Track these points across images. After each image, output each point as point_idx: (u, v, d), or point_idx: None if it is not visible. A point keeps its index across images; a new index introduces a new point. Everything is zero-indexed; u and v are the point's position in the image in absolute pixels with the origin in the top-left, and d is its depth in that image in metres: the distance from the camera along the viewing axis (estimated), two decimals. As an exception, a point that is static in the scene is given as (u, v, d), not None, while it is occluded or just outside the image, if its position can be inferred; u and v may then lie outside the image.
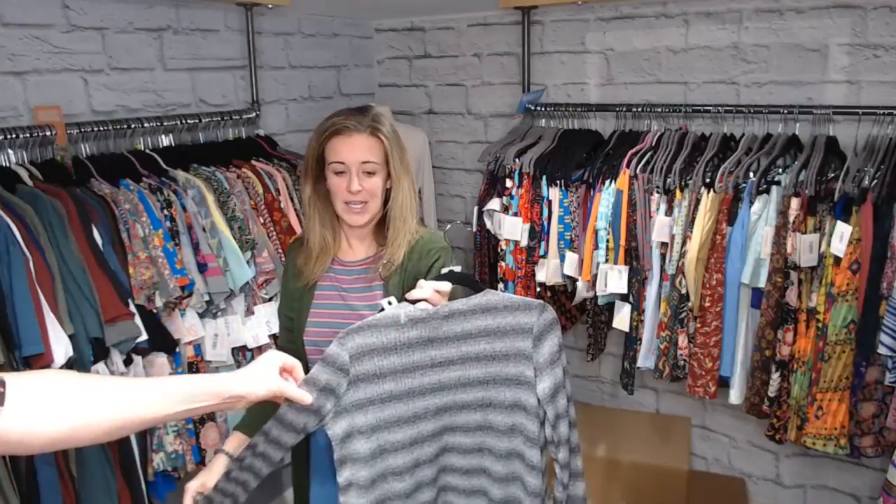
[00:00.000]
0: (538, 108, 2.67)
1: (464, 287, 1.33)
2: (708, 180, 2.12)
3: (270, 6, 2.47)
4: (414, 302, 1.28)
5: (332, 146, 1.53)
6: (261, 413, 1.35)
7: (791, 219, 1.97)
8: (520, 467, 1.34)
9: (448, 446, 1.35)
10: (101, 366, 1.68)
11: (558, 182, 2.40)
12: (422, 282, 1.31)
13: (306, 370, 1.60)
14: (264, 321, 2.11)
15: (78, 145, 1.96)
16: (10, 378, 0.84)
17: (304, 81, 2.82)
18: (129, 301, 1.76)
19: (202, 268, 1.96)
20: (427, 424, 1.31)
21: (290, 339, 1.67)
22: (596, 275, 2.31)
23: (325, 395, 1.22)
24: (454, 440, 1.35)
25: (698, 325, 2.14)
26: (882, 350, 1.81)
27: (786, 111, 2.18)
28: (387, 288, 1.55)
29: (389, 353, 1.26)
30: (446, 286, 1.30)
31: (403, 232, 1.56)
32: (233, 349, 2.06)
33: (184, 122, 2.20)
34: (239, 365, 2.09)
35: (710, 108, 2.31)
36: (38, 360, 1.54)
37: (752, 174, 2.08)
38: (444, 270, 1.35)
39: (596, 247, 2.30)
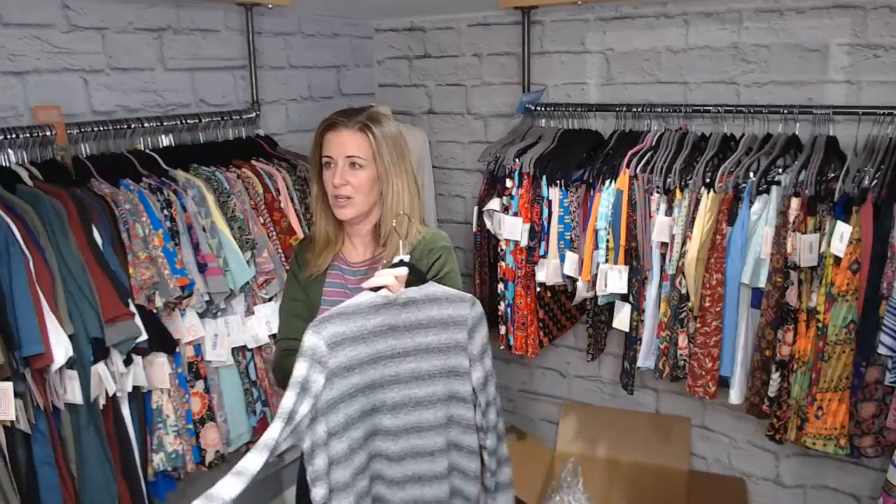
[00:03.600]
0: (538, 108, 2.67)
1: (413, 277, 1.35)
2: (708, 180, 2.12)
3: (270, 6, 2.47)
4: (375, 290, 1.29)
5: (325, 141, 1.57)
6: None
7: (791, 219, 1.97)
8: (456, 456, 1.39)
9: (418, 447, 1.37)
10: (100, 366, 1.68)
11: (558, 182, 2.40)
12: (381, 270, 1.33)
13: None
14: (264, 321, 2.11)
15: (78, 145, 1.96)
16: None
17: (304, 81, 2.82)
18: (129, 301, 1.76)
19: (202, 268, 1.96)
20: (384, 419, 1.33)
21: (301, 330, 1.66)
22: (596, 275, 2.31)
23: (304, 397, 1.22)
24: (419, 442, 1.37)
25: (698, 325, 2.14)
26: (882, 350, 1.81)
27: (786, 111, 2.18)
28: None
29: (358, 342, 1.28)
30: (403, 271, 1.32)
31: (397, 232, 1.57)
32: (233, 349, 2.06)
33: (184, 122, 2.20)
34: (239, 365, 2.09)
35: (710, 108, 2.31)
36: (38, 360, 1.54)
37: (752, 174, 2.08)
38: (396, 259, 1.36)
39: (596, 247, 2.30)
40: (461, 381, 1.37)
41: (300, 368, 1.22)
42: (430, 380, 1.35)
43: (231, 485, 1.09)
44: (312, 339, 1.24)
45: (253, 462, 1.13)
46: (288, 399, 1.20)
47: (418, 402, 1.35)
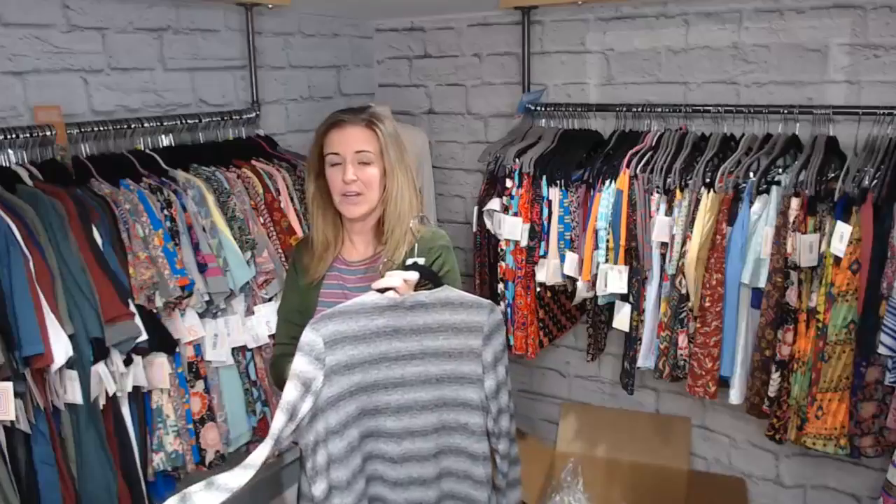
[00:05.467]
0: (538, 108, 2.67)
1: (426, 280, 1.35)
2: (708, 180, 2.12)
3: (270, 6, 2.47)
4: (382, 291, 1.29)
5: (329, 139, 1.56)
6: None
7: (791, 219, 1.97)
8: (467, 462, 1.37)
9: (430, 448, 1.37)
10: (100, 366, 1.68)
11: (558, 182, 2.40)
12: (390, 271, 1.32)
13: None
14: (264, 321, 2.11)
15: (78, 145, 1.96)
16: None
17: (304, 81, 2.82)
18: (129, 301, 1.76)
19: (202, 268, 1.96)
20: (387, 421, 1.32)
21: (294, 335, 1.67)
22: (596, 275, 2.31)
23: (305, 395, 1.23)
24: (419, 445, 1.36)
25: (698, 325, 2.14)
26: (882, 350, 1.81)
27: (786, 111, 2.18)
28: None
29: (359, 341, 1.28)
30: (414, 276, 1.31)
31: (399, 229, 1.57)
32: (233, 349, 2.06)
33: (184, 122, 2.20)
34: (239, 365, 2.09)
35: (710, 108, 2.31)
36: (38, 360, 1.54)
37: (752, 174, 2.08)
38: (409, 262, 1.36)
39: (596, 247, 2.30)
40: (473, 388, 1.34)
41: (298, 361, 1.23)
42: (437, 384, 1.33)
43: (237, 476, 1.09)
44: (310, 336, 1.24)
45: (259, 454, 1.13)
46: (289, 391, 1.20)
47: (424, 406, 1.33)
